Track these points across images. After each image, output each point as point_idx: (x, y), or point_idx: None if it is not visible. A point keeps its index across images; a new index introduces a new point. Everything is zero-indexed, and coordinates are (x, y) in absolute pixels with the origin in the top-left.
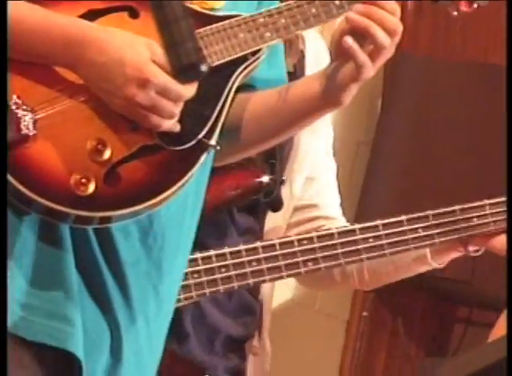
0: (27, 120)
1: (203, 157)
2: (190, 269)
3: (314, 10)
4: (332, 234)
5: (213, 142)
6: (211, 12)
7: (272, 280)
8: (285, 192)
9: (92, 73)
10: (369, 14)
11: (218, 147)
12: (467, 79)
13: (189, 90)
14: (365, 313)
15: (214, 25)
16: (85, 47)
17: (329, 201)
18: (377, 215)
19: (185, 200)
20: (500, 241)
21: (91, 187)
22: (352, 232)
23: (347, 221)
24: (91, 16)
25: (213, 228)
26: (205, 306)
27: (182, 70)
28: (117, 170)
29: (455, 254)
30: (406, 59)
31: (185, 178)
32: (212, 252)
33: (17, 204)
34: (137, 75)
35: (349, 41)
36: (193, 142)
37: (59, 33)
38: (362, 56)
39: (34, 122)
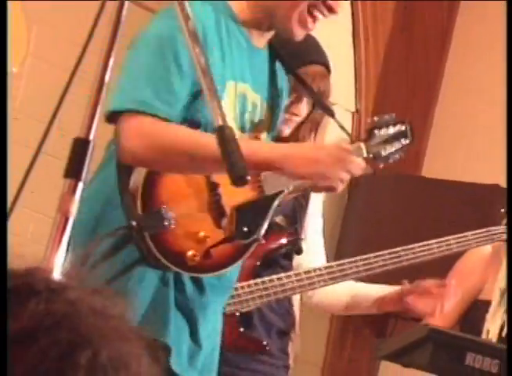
0: (169, 217)
1: (253, 246)
2: (262, 286)
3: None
4: (329, 266)
5: (260, 237)
6: None
7: (300, 292)
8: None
9: (301, 165)
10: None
11: (263, 241)
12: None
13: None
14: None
15: None
16: (290, 158)
17: (316, 255)
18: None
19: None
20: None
21: (197, 260)
22: (336, 266)
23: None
24: None
25: (266, 266)
26: (264, 309)
27: (237, 178)
28: (210, 251)
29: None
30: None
31: (244, 256)
32: (266, 278)
33: (151, 262)
34: (342, 158)
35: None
36: (253, 238)
37: (261, 160)
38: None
39: (174, 218)
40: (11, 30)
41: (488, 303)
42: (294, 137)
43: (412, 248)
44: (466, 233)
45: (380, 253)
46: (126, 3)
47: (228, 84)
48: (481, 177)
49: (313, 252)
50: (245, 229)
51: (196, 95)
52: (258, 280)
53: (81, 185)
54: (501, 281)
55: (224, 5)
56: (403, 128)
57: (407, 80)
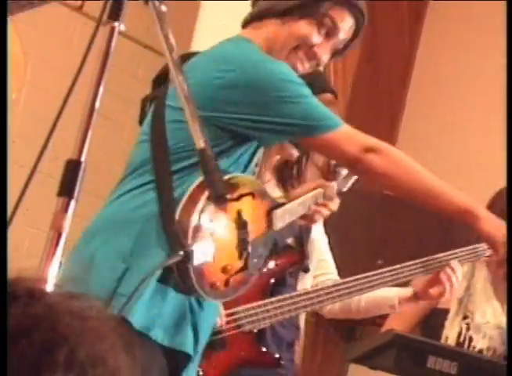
0: (211, 251)
1: (256, 275)
2: (277, 305)
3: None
4: (337, 284)
5: (263, 269)
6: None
7: (311, 310)
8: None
9: (489, 224)
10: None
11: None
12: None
13: None
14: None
15: None
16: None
17: (330, 269)
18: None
19: None
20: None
21: (221, 288)
22: (342, 283)
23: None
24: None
25: (277, 284)
26: (275, 325)
27: (217, 196)
28: (230, 279)
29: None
30: None
31: (249, 283)
32: (280, 297)
33: (185, 290)
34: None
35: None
36: (259, 269)
37: (455, 207)
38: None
39: (214, 252)
40: (10, 59)
41: (446, 311)
42: (299, 162)
43: (409, 266)
44: (455, 250)
45: (380, 271)
46: (115, 35)
47: None
48: None
49: (332, 266)
50: (255, 260)
51: None
52: (273, 299)
53: (73, 203)
54: (458, 291)
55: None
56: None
57: (372, 107)
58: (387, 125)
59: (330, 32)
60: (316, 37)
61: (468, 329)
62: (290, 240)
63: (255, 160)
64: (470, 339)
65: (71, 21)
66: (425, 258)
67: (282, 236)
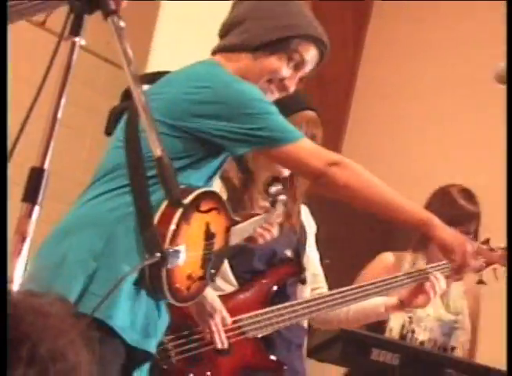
0: (183, 256)
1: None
2: (278, 313)
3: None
4: (329, 294)
5: (215, 279)
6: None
7: (309, 317)
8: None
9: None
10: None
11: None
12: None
13: None
14: None
15: None
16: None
17: (322, 283)
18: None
19: None
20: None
21: (184, 293)
22: (332, 295)
23: None
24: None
25: (278, 292)
26: (282, 331)
27: (174, 201)
28: (191, 286)
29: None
30: None
31: (204, 291)
32: (280, 306)
33: (153, 292)
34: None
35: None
36: (213, 279)
37: (413, 218)
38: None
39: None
40: None
41: None
42: (291, 178)
43: (399, 276)
44: (438, 263)
45: (374, 281)
46: (76, 50)
47: None
48: None
49: (324, 280)
50: (212, 271)
51: None
52: (274, 308)
53: (37, 208)
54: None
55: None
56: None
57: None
58: (332, 136)
59: (299, 65)
60: (286, 71)
61: (411, 322)
62: (288, 252)
63: (219, 173)
64: (413, 331)
65: (34, 36)
66: (412, 270)
67: (282, 249)
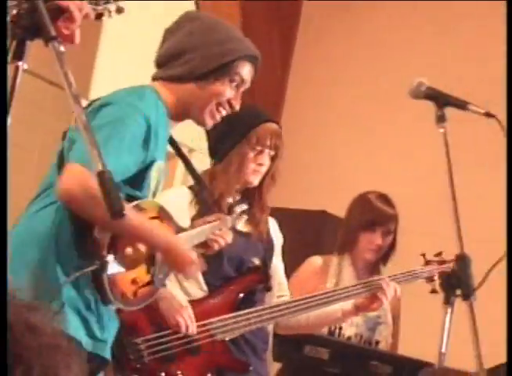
0: (125, 263)
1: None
2: (244, 317)
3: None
4: (296, 300)
5: (164, 284)
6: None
7: (273, 322)
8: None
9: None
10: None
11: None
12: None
13: None
14: None
15: None
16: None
17: (286, 292)
18: None
19: None
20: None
21: (130, 298)
22: (295, 301)
23: None
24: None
25: (245, 298)
26: (247, 335)
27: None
28: (137, 291)
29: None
30: None
31: (154, 296)
32: (247, 311)
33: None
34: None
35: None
36: (162, 284)
37: (162, 240)
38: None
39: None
40: None
41: None
42: (259, 188)
43: (357, 285)
44: (395, 274)
45: (334, 289)
46: (20, 73)
47: (156, 164)
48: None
49: (287, 289)
50: (160, 276)
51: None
52: (241, 312)
53: None
54: (329, 286)
55: (163, 103)
56: (246, 207)
57: None
58: None
59: (240, 84)
60: (230, 93)
61: None
62: (256, 261)
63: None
64: (340, 328)
65: None
66: (369, 279)
67: (249, 257)
